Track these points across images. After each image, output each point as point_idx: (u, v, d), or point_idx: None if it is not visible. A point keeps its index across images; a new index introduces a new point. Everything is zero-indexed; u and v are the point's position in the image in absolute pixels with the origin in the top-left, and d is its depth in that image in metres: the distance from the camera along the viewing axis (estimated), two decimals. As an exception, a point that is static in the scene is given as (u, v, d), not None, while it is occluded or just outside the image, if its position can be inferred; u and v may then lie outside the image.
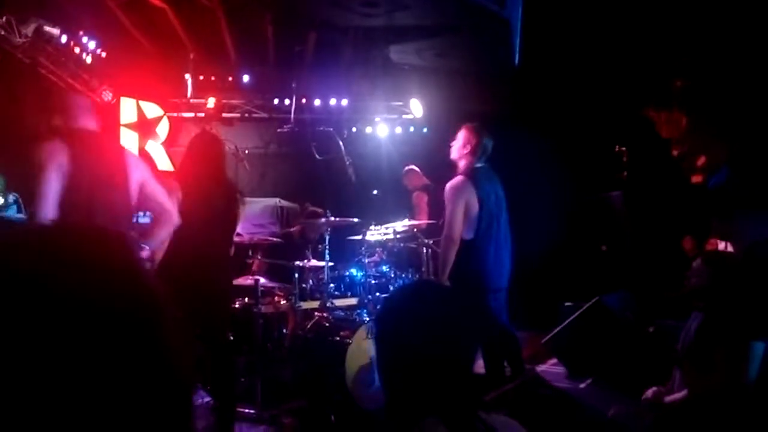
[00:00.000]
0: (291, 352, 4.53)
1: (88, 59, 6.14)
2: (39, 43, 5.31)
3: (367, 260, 5.00)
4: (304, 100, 7.82)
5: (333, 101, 8.06)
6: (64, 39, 5.62)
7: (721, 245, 2.33)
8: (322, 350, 4.13)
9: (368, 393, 3.82)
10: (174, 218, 2.91)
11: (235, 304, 4.46)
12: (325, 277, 4.64)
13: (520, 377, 3.94)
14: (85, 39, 6.04)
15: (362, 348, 3.92)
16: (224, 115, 7.88)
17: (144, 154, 6.97)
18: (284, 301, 4.74)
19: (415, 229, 5.27)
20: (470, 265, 3.82)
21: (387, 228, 5.24)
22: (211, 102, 7.52)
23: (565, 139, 6.84)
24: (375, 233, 5.32)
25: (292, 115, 7.08)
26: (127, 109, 7.21)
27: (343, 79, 7.81)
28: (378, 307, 4.30)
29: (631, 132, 5.55)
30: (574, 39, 5.98)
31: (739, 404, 1.93)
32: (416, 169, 6.62)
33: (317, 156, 5.79)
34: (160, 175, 3.69)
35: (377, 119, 8.36)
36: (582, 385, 4.48)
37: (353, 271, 5.09)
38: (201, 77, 7.37)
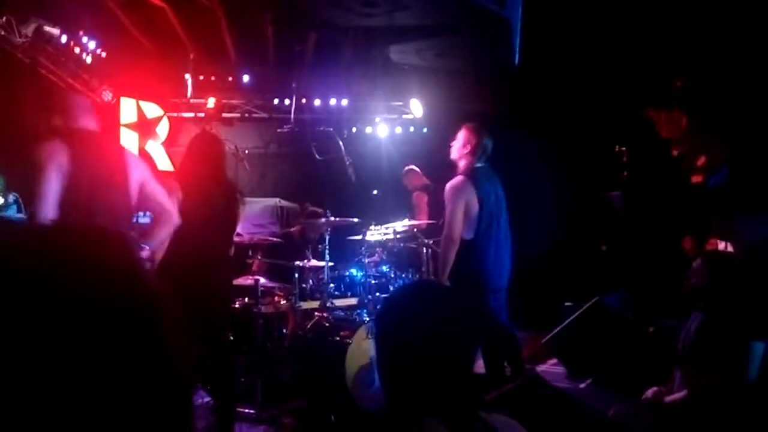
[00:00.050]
0: (291, 352, 4.54)
1: (88, 59, 6.14)
2: (39, 43, 5.31)
3: (367, 260, 5.00)
4: (304, 100, 7.81)
5: (333, 101, 8.06)
6: (64, 39, 5.62)
7: (721, 245, 2.33)
8: (322, 350, 4.13)
9: (368, 393, 3.82)
10: (174, 218, 2.91)
11: (235, 304, 4.46)
12: (325, 277, 4.64)
13: (520, 377, 3.94)
14: (85, 39, 6.04)
15: (362, 348, 3.92)
16: (224, 115, 7.88)
17: (144, 154, 6.97)
18: (284, 301, 4.74)
19: (415, 229, 5.27)
20: (470, 265, 3.82)
21: (387, 228, 5.23)
22: (211, 102, 7.52)
23: (565, 139, 6.84)
24: (375, 233, 5.32)
25: (292, 115, 7.08)
26: (127, 109, 7.21)
27: (343, 79, 7.81)
28: (378, 307, 4.30)
29: (631, 132, 5.55)
30: (574, 39, 5.98)
31: (739, 404, 1.93)
32: (416, 169, 6.62)
33: (317, 156, 5.79)
34: (160, 175, 3.69)
35: (377, 119, 8.36)
36: (582, 385, 4.48)
37: (353, 271, 5.09)
38: (201, 77, 7.37)
